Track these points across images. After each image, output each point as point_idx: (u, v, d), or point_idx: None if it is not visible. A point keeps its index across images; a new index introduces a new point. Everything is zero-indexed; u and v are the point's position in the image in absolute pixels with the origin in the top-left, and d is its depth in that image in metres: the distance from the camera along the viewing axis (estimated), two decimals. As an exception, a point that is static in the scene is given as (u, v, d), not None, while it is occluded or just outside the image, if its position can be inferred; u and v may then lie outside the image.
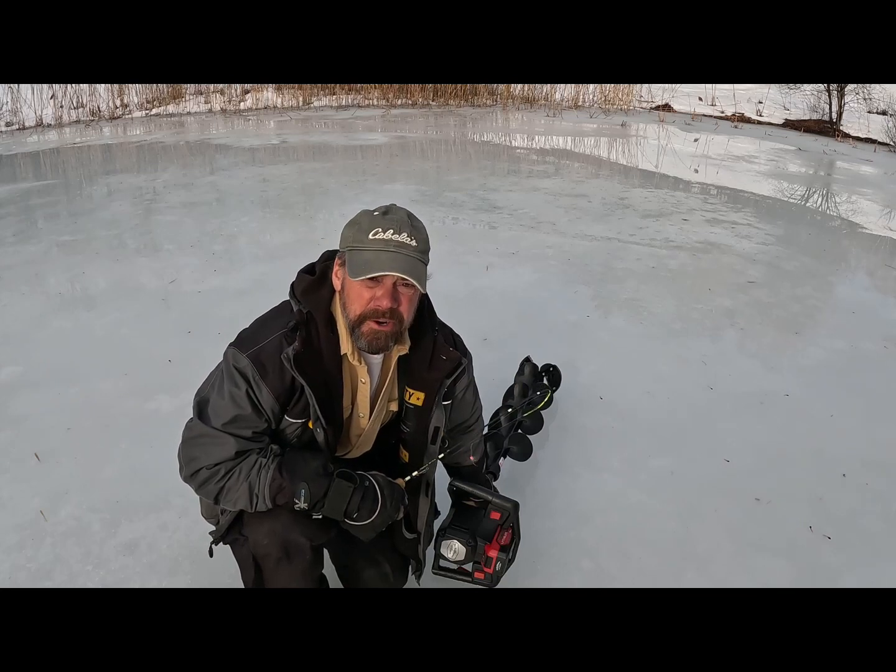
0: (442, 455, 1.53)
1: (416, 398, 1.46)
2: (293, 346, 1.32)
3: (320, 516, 1.36)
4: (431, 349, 1.44)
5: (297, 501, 1.32)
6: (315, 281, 1.39)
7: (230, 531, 1.44)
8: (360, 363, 1.41)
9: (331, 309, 1.38)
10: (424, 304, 1.45)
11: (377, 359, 1.44)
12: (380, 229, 1.27)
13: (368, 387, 1.44)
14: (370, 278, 1.27)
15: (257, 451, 1.36)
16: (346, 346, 1.38)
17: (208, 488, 1.35)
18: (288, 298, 1.41)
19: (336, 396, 1.40)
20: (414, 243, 1.28)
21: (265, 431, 1.37)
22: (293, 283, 1.41)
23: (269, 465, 1.33)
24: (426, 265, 1.33)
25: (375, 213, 1.31)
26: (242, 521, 1.41)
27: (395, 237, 1.27)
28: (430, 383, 1.45)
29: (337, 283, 1.37)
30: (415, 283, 1.28)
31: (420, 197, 5.27)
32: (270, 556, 1.38)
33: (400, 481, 1.46)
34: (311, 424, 1.38)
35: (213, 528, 1.51)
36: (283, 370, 1.32)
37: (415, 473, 1.48)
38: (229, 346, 1.38)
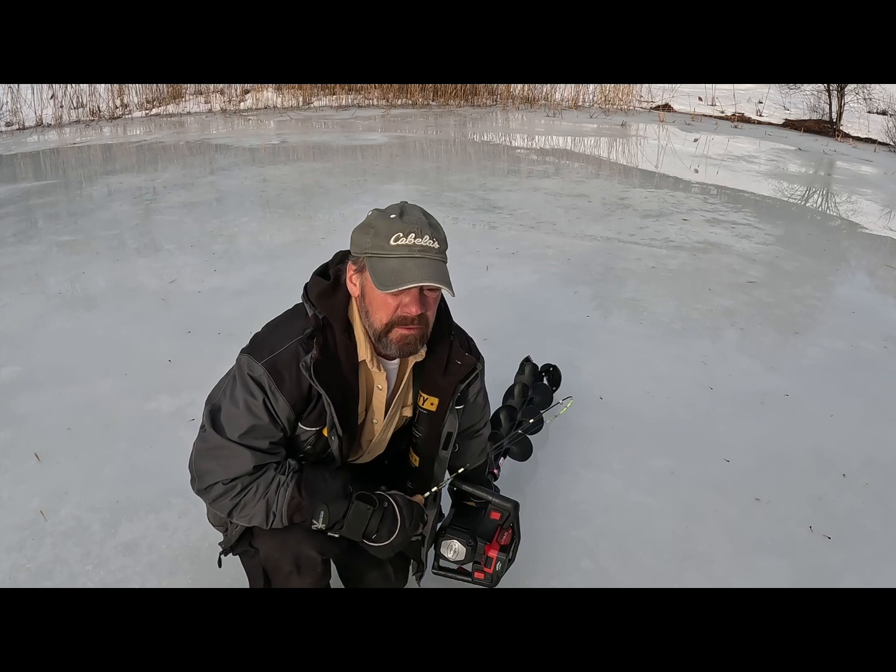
0: (462, 470, 1.52)
1: (430, 403, 1.43)
2: (311, 354, 1.27)
3: (336, 535, 1.34)
4: (447, 354, 1.41)
5: (314, 522, 1.30)
6: (330, 285, 1.33)
7: (240, 542, 1.41)
8: (380, 370, 1.37)
9: (347, 314, 1.33)
10: (441, 308, 1.40)
11: (394, 364, 1.40)
12: (401, 234, 1.21)
13: (385, 393, 1.41)
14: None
15: (274, 465, 1.32)
16: (363, 352, 1.33)
17: (223, 503, 1.30)
18: (301, 301, 1.36)
19: (352, 404, 1.36)
20: (436, 245, 1.24)
21: (281, 442, 1.33)
22: (307, 285, 1.36)
23: (288, 483, 1.29)
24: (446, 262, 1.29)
25: (392, 216, 1.24)
26: (253, 532, 1.39)
27: (419, 241, 1.21)
28: (445, 388, 1.42)
29: (353, 290, 1.31)
30: (443, 287, 1.23)
31: (420, 197, 5.26)
32: (282, 569, 1.36)
33: (419, 498, 1.45)
34: (325, 432, 1.35)
35: (219, 534, 1.49)
36: (300, 378, 1.27)
37: (434, 489, 1.48)
38: (242, 352, 1.33)
